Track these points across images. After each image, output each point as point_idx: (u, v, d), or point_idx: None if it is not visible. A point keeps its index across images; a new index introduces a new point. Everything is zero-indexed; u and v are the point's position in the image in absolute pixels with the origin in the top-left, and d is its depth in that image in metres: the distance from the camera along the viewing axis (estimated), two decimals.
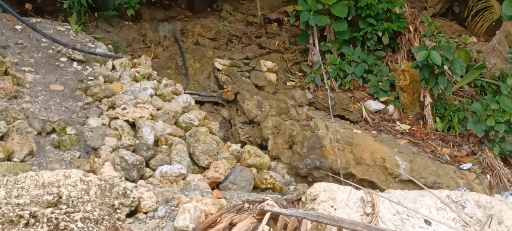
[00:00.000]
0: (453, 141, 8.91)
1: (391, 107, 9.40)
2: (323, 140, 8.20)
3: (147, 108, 6.76)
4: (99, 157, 6.04)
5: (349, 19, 10.05)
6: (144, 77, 7.80)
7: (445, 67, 8.96)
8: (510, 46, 9.93)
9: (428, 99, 9.10)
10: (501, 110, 8.34)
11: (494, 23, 11.32)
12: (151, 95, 7.25)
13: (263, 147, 8.31)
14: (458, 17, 12.57)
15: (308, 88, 9.65)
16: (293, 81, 9.93)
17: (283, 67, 10.23)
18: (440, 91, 9.09)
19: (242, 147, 7.04)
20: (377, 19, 9.95)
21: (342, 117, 9.09)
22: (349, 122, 9.02)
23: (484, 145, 8.69)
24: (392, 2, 10.22)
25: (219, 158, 6.48)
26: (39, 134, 6.23)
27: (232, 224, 3.59)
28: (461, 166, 8.34)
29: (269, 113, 8.52)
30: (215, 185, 6.16)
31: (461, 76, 9.64)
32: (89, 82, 7.34)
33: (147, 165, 6.17)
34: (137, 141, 6.33)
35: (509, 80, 8.77)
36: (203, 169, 6.40)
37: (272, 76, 9.51)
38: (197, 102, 8.63)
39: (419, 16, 10.94)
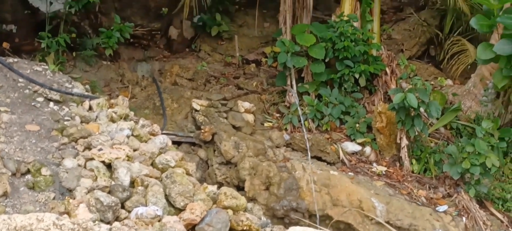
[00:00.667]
0: (429, 183, 8.94)
1: (367, 149, 9.43)
2: (300, 182, 8.20)
3: (124, 149, 6.73)
4: (74, 199, 6.00)
5: (326, 61, 10.12)
6: (121, 118, 7.79)
7: (421, 109, 9.02)
8: (485, 90, 10.04)
9: (405, 141, 9.15)
10: (476, 153, 8.40)
11: (469, 66, 11.45)
12: (128, 136, 7.23)
13: (240, 188, 8.29)
14: (434, 60, 12.70)
15: (286, 130, 9.67)
16: (271, 122, 9.95)
17: (261, 108, 10.26)
18: (416, 133, 9.14)
19: (218, 188, 7.01)
20: (354, 61, 10.03)
21: (319, 158, 9.10)
22: (326, 164, 9.03)
23: (460, 187, 8.73)
24: (369, 45, 10.33)
25: (195, 200, 6.45)
26: (14, 174, 6.18)
27: None
28: (437, 208, 8.37)
29: (246, 154, 8.52)
30: (191, 227, 6.13)
31: (437, 119, 9.71)
32: (65, 123, 7.32)
33: (123, 207, 6.12)
34: (113, 182, 6.30)
35: (484, 123, 8.85)
36: (179, 210, 6.36)
37: (250, 117, 9.52)
38: (174, 142, 8.60)
39: (396, 59, 11.06)
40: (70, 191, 6.19)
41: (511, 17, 8.60)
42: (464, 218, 8.31)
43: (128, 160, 6.67)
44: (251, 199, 8.03)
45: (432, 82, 11.09)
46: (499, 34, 9.21)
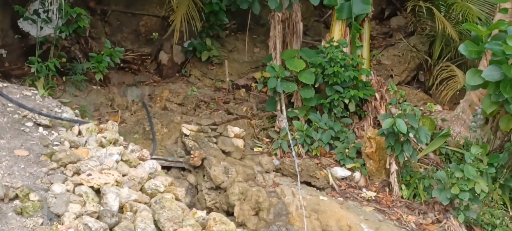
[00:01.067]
0: (419, 208, 8.95)
1: (357, 174, 9.45)
2: (289, 207, 8.19)
3: (113, 175, 6.71)
4: (63, 224, 5.96)
5: (316, 86, 10.17)
6: (110, 143, 7.77)
7: (411, 135, 9.05)
8: (474, 115, 10.09)
9: (394, 167, 9.17)
10: (466, 178, 8.42)
11: (458, 92, 11.52)
12: (117, 161, 7.20)
13: (229, 213, 8.27)
14: (423, 86, 12.78)
15: (275, 155, 9.68)
16: (260, 147, 9.96)
17: (251, 133, 10.27)
18: (406, 158, 9.17)
19: (208, 213, 6.99)
20: (344, 86, 10.07)
21: (308, 184, 9.09)
22: (315, 189, 9.02)
23: (449, 213, 8.75)
24: (359, 70, 10.37)
25: (184, 225, 6.42)
26: (2, 200, 6.14)
27: None
28: None
29: (236, 179, 8.51)
30: None
31: (426, 144, 9.76)
32: (54, 148, 7.29)
33: None
34: (101, 208, 6.26)
35: (473, 149, 8.88)
36: None
37: (240, 142, 9.52)
38: (163, 167, 8.60)
39: (385, 84, 11.11)
40: (58, 216, 6.16)
41: (499, 43, 8.67)
42: None
43: (117, 185, 6.64)
44: (241, 225, 8.02)
45: (421, 108, 11.13)
46: (488, 60, 9.28)
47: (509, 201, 9.25)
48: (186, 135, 9.29)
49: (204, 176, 8.83)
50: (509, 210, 9.19)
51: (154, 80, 11.99)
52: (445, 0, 12.41)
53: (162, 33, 12.59)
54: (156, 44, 12.67)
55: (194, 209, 7.24)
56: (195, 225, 6.52)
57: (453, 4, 12.19)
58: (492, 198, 9.10)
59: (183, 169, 9.07)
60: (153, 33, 12.82)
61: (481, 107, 9.42)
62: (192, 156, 8.89)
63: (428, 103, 11.62)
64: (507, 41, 8.54)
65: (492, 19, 10.97)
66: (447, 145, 10.12)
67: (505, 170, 9.20)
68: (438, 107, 11.59)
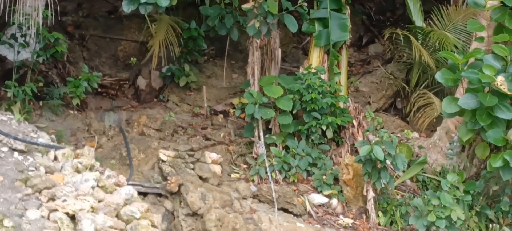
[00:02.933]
0: None
1: (334, 201, 9.45)
2: None
3: (88, 201, 6.65)
4: None
5: (294, 112, 10.19)
6: (86, 168, 7.71)
7: (388, 162, 9.09)
8: (450, 143, 10.16)
9: (371, 194, 9.19)
10: (442, 206, 8.46)
11: (435, 119, 11.58)
12: (93, 187, 7.14)
13: None
14: (401, 113, 12.84)
15: (253, 181, 9.67)
16: (238, 173, 9.94)
17: (228, 159, 10.25)
18: (383, 186, 9.20)
19: None
20: (322, 113, 10.10)
21: (286, 210, 9.08)
22: (292, 215, 9.01)
23: None
24: (336, 97, 10.41)
25: None
26: None
27: None
28: None
29: (213, 205, 8.47)
30: None
31: (403, 171, 9.80)
32: (29, 173, 7.22)
33: None
34: None
35: (449, 177, 8.93)
36: None
37: (217, 168, 9.50)
38: (140, 193, 8.54)
39: (363, 111, 11.16)
40: None
41: (475, 72, 8.74)
42: None
43: (92, 211, 6.59)
44: None
45: (398, 135, 11.19)
46: (464, 88, 9.35)
47: (485, 229, 9.28)
48: (163, 161, 9.25)
49: (181, 202, 8.77)
50: None
51: (132, 105, 11.95)
52: (422, 29, 12.50)
53: (140, 58, 12.57)
54: (134, 69, 12.63)
55: None
56: None
57: (430, 32, 12.29)
58: (468, 226, 9.12)
59: (160, 195, 9.00)
60: (131, 58, 12.80)
61: (458, 135, 9.48)
62: (169, 181, 8.84)
63: (405, 131, 11.67)
64: (483, 69, 8.62)
65: (469, 48, 11.07)
66: (424, 172, 10.17)
67: (481, 198, 9.24)
68: (415, 134, 11.65)
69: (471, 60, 9.29)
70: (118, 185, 7.75)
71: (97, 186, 7.28)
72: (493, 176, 9.14)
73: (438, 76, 9.22)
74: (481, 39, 9.88)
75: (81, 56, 12.48)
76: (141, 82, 12.31)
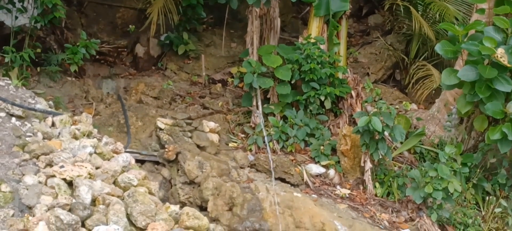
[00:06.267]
0: (392, 206, 8.98)
1: (332, 172, 9.45)
2: (263, 203, 8.15)
3: (86, 167, 6.65)
4: (34, 216, 5.90)
5: (292, 82, 10.16)
6: (84, 135, 7.70)
7: (386, 133, 9.08)
8: (449, 115, 10.14)
9: (368, 165, 9.19)
10: (439, 177, 8.46)
11: (433, 91, 11.57)
12: (90, 154, 7.14)
13: (203, 208, 8.22)
14: (400, 84, 12.83)
15: (250, 150, 9.66)
16: (236, 142, 9.93)
17: (226, 128, 10.23)
18: (380, 157, 9.20)
19: (181, 208, 6.97)
20: (320, 83, 10.07)
21: (283, 180, 9.08)
22: (290, 185, 9.01)
23: (422, 212, 8.79)
24: (335, 68, 10.37)
25: (157, 219, 6.39)
26: None
27: None
28: None
29: (210, 174, 8.47)
30: None
31: (401, 143, 9.79)
32: (27, 139, 7.21)
33: (83, 225, 6.03)
34: (73, 200, 6.21)
35: (447, 148, 8.93)
36: (140, 230, 6.30)
37: (215, 137, 9.49)
38: (137, 161, 8.55)
39: (361, 82, 11.10)
40: (29, 208, 6.10)
41: (475, 44, 8.71)
42: None
43: (90, 178, 6.59)
44: (214, 220, 7.98)
45: (397, 106, 11.18)
46: (464, 60, 9.33)
47: (482, 201, 9.31)
48: (161, 129, 9.23)
49: (178, 170, 8.77)
50: (482, 209, 9.25)
51: (130, 73, 11.92)
52: (422, 0, 12.45)
53: (139, 26, 12.50)
54: (132, 36, 12.59)
55: (167, 204, 7.21)
56: (168, 219, 6.50)
57: (430, 3, 12.25)
58: (465, 198, 9.15)
59: (157, 163, 9.00)
60: (130, 26, 12.75)
61: (456, 107, 9.46)
62: (166, 150, 8.83)
63: (404, 102, 11.66)
64: (483, 41, 8.59)
65: (469, 19, 11.05)
66: (422, 144, 10.16)
67: (478, 170, 9.26)
68: (414, 106, 11.65)
69: (471, 32, 9.26)
70: (116, 152, 7.76)
71: (95, 152, 7.28)
72: (490, 148, 9.17)
73: (438, 48, 9.19)
74: (482, 11, 9.84)
75: (79, 22, 12.42)
76: (140, 50, 12.26)
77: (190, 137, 9.33)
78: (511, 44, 8.72)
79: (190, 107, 10.55)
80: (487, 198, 9.29)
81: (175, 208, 6.88)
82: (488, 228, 9.00)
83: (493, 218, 9.11)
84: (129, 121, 9.76)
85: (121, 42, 12.54)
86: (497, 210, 9.10)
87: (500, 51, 8.46)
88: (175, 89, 11.18)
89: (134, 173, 7.15)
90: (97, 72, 11.56)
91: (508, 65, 8.40)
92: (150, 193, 7.01)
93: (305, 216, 8.10)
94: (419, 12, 12.39)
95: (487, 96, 8.58)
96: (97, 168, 6.95)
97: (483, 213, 9.21)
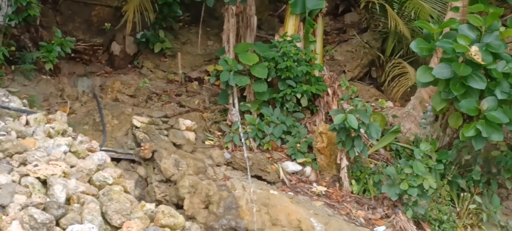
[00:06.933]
0: (368, 203, 9.02)
1: (308, 169, 9.47)
2: (239, 201, 8.17)
3: (60, 166, 6.60)
4: (7, 215, 5.84)
5: (269, 80, 10.15)
6: (58, 134, 7.65)
7: (362, 130, 9.10)
8: (424, 112, 10.20)
9: (345, 162, 9.21)
10: (414, 174, 8.50)
11: (409, 89, 11.63)
12: (65, 152, 7.10)
13: (179, 206, 8.22)
14: (376, 82, 12.88)
15: (227, 148, 9.65)
16: (212, 140, 9.92)
17: (202, 126, 10.22)
18: (356, 154, 9.23)
19: (157, 206, 6.95)
20: (297, 81, 10.08)
21: (259, 178, 9.08)
22: (266, 183, 9.02)
23: (397, 208, 8.82)
24: (312, 65, 10.39)
25: (132, 218, 6.36)
26: None
27: None
28: (375, 229, 8.44)
29: (186, 172, 8.46)
30: None
31: (377, 140, 9.82)
32: (0, 138, 7.14)
33: (58, 224, 5.99)
34: (48, 199, 6.16)
35: (422, 146, 8.97)
36: (115, 228, 6.26)
37: (191, 135, 9.47)
38: (113, 159, 8.50)
39: (338, 80, 11.14)
40: (3, 207, 6.03)
41: (450, 41, 8.75)
42: None
43: (64, 177, 6.55)
44: (190, 218, 7.98)
45: (373, 104, 11.22)
46: (438, 58, 9.37)
47: (457, 197, 9.37)
48: (137, 127, 9.20)
49: (154, 168, 8.76)
50: (456, 206, 9.30)
51: (106, 71, 11.87)
52: None
53: (115, 24, 12.44)
54: (108, 34, 12.54)
55: (143, 202, 7.19)
56: (143, 217, 6.48)
57: (406, 1, 12.30)
58: (440, 194, 9.20)
59: (133, 161, 8.98)
60: (106, 24, 12.69)
61: (431, 104, 9.50)
62: (142, 148, 8.81)
63: (380, 100, 11.70)
64: (457, 39, 8.63)
65: (444, 17, 11.09)
66: (398, 141, 10.21)
67: (453, 167, 9.31)
68: (390, 103, 11.70)
69: (446, 30, 9.30)
70: (91, 151, 7.72)
71: (70, 151, 7.24)
72: (465, 145, 9.22)
73: (413, 45, 9.21)
74: (456, 9, 9.90)
75: (54, 20, 12.34)
76: (115, 48, 12.23)
77: (166, 135, 9.31)
78: (485, 42, 8.77)
79: (167, 106, 10.52)
80: (461, 194, 9.35)
81: (150, 206, 6.86)
82: (463, 224, 9.07)
83: (468, 214, 9.18)
84: (104, 119, 9.73)
85: (96, 40, 12.48)
86: (472, 206, 9.16)
87: (474, 49, 8.51)
88: (151, 88, 11.15)
89: (110, 172, 7.11)
90: (73, 71, 11.50)
91: (482, 63, 8.45)
92: (126, 191, 6.98)
93: (281, 214, 8.11)
94: (395, 10, 12.43)
95: (462, 93, 8.62)
96: (71, 167, 6.90)
97: (458, 209, 9.27)
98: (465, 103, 8.58)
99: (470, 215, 9.20)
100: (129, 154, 9.01)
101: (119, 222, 6.25)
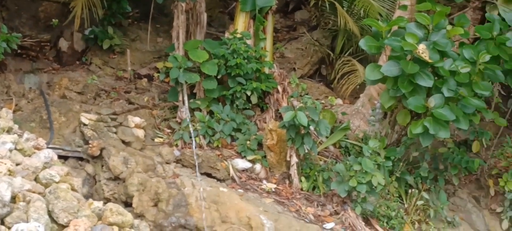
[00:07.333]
0: (318, 200, 9.06)
1: (258, 166, 9.47)
2: (189, 198, 8.13)
3: (5, 164, 6.47)
4: None
5: (219, 77, 10.13)
6: (4, 131, 7.51)
7: (311, 128, 9.14)
8: (373, 110, 10.29)
9: (294, 159, 9.24)
10: (363, 171, 8.58)
11: (358, 86, 11.73)
12: (10, 150, 6.96)
13: (128, 204, 8.14)
14: (325, 79, 12.95)
15: (176, 146, 9.60)
16: (161, 138, 9.86)
17: (152, 123, 10.14)
18: (306, 151, 9.26)
19: (105, 204, 6.86)
20: (246, 78, 10.08)
21: (209, 175, 9.06)
22: (216, 180, 9.00)
23: (346, 205, 8.89)
24: (262, 63, 10.39)
25: (79, 216, 6.27)
26: None
27: None
28: (324, 226, 8.49)
29: (135, 170, 8.38)
30: None
31: (326, 137, 9.88)
32: None
33: (2, 223, 5.88)
34: None
35: (371, 143, 9.05)
36: (62, 227, 6.17)
37: (140, 133, 9.40)
38: (61, 157, 8.38)
39: (288, 77, 11.19)
40: None
41: (398, 39, 8.84)
42: None
43: (9, 175, 6.42)
44: (139, 216, 7.91)
45: (322, 101, 11.29)
46: (387, 55, 9.46)
47: (405, 194, 9.49)
48: (85, 124, 9.10)
49: (102, 166, 8.66)
50: (405, 202, 9.43)
51: (53, 67, 11.68)
52: None
53: (62, 20, 12.24)
54: (55, 30, 12.34)
55: (90, 200, 7.08)
56: (90, 215, 6.38)
57: (355, 0, 12.39)
58: (388, 191, 9.31)
59: (81, 159, 8.86)
60: (53, 20, 12.49)
61: (380, 101, 9.59)
62: (90, 145, 8.70)
63: (329, 97, 11.78)
64: (405, 37, 8.72)
65: (392, 16, 11.21)
66: (347, 138, 10.29)
67: (401, 164, 9.43)
68: (339, 101, 11.78)
69: (395, 28, 9.40)
70: (38, 148, 7.58)
71: (15, 149, 7.09)
72: (413, 142, 9.34)
73: (362, 43, 9.29)
74: (404, 7, 10.03)
75: (0, 16, 12.10)
76: (63, 44, 12.04)
77: (115, 133, 9.22)
78: (432, 40, 8.89)
79: (115, 103, 10.42)
80: (409, 191, 9.49)
81: (98, 204, 6.76)
82: (411, 220, 9.19)
83: (416, 210, 9.32)
84: (52, 117, 9.58)
85: (44, 37, 12.23)
86: (419, 202, 9.31)
87: (422, 47, 8.61)
88: (100, 84, 11.02)
89: (56, 169, 7.00)
90: (19, 67, 11.27)
91: (430, 60, 8.56)
92: (73, 189, 6.87)
93: (231, 211, 8.10)
94: (344, 8, 12.52)
95: (410, 91, 8.71)
96: (17, 165, 6.77)
97: (406, 205, 9.39)
98: (413, 101, 8.68)
99: (418, 211, 9.35)
100: (77, 151, 8.89)
101: (66, 220, 6.15)
